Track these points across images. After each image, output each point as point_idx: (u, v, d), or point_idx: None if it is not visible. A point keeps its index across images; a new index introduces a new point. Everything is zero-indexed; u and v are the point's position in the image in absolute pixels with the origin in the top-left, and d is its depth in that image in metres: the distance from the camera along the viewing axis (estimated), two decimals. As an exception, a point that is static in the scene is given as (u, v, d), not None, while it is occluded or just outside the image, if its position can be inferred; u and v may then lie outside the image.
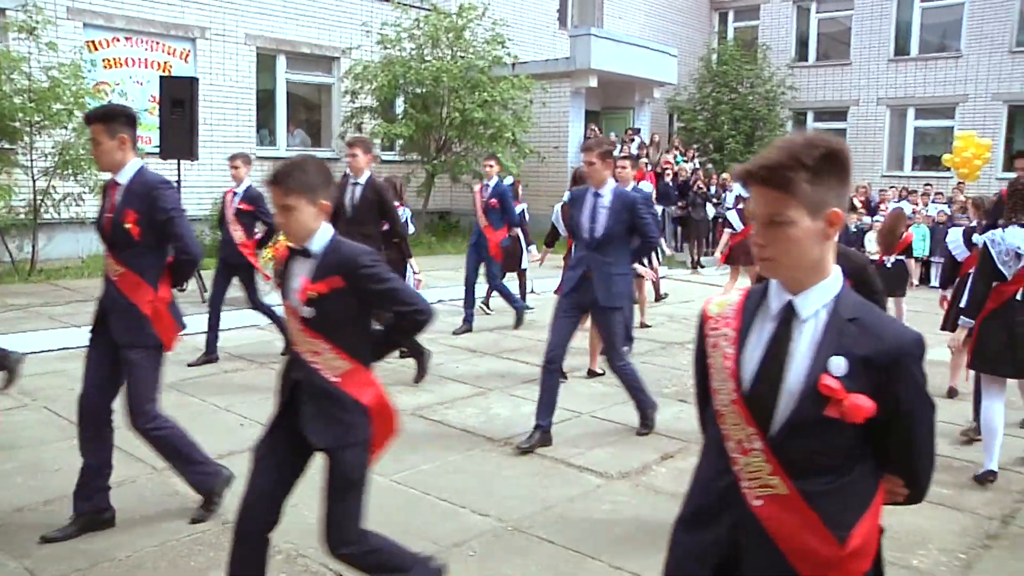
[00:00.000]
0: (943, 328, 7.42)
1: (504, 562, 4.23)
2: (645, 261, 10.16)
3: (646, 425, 6.34)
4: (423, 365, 7.58)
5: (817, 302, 2.00)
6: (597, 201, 6.05)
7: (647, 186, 13.26)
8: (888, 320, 2.06)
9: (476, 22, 17.11)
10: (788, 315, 2.02)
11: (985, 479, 5.49)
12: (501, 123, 16.70)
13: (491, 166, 10.23)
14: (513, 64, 17.65)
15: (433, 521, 4.67)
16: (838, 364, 1.93)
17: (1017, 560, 4.51)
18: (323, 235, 3.14)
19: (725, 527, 2.08)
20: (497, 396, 7.30)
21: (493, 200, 10.03)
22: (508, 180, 10.49)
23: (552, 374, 6.03)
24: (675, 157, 19.50)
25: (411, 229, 9.04)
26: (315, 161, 3.19)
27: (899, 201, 18.22)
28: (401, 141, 17.33)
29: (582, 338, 7.84)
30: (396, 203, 8.73)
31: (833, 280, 2.02)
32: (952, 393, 7.57)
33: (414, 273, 8.65)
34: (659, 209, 11.03)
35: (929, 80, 23.36)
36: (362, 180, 7.40)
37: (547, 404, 6.00)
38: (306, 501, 4.86)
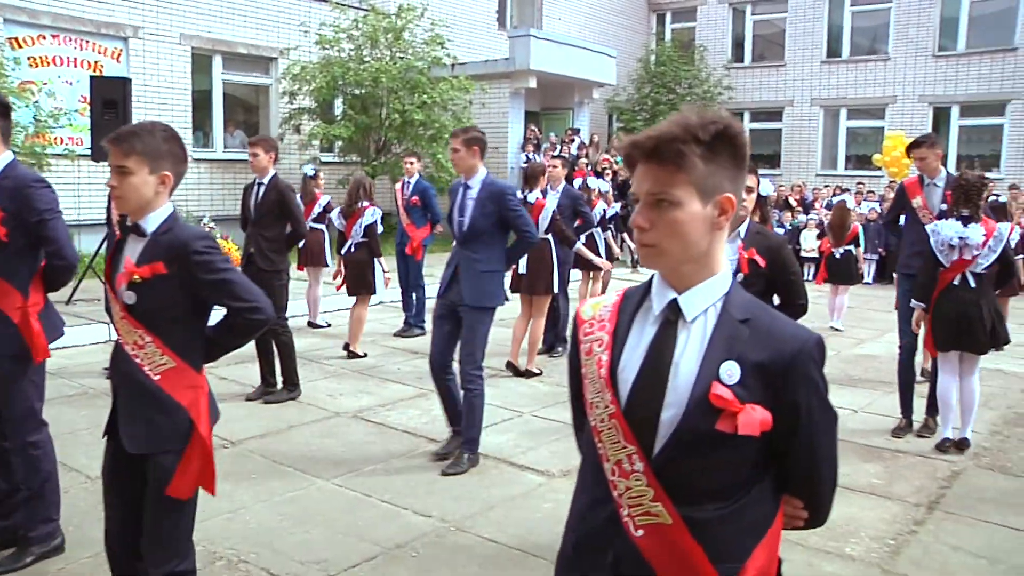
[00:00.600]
0: None
1: (446, 563, 4.29)
2: (602, 253, 10.39)
3: (461, 462, 5.57)
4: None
5: (705, 301, 1.76)
6: (466, 193, 5.73)
7: (603, 184, 13.32)
8: (783, 321, 1.80)
9: (415, 23, 17.05)
10: (672, 316, 1.78)
11: (943, 446, 6.23)
12: (441, 124, 16.68)
13: (411, 163, 10.07)
14: (452, 65, 17.65)
15: (375, 523, 4.70)
16: (730, 371, 1.70)
17: (941, 543, 4.71)
18: (160, 214, 2.90)
19: (607, 564, 1.81)
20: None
21: (414, 198, 9.87)
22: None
23: (442, 382, 5.78)
24: (614, 157, 19.69)
25: (380, 229, 8.97)
26: (168, 130, 2.96)
27: (839, 195, 18.66)
28: (340, 142, 17.18)
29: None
30: (366, 203, 8.81)
31: (723, 277, 1.79)
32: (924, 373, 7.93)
33: (383, 272, 8.80)
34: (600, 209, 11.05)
35: (860, 82, 23.95)
36: (266, 180, 7.09)
37: (453, 411, 5.81)
38: (249, 505, 4.90)
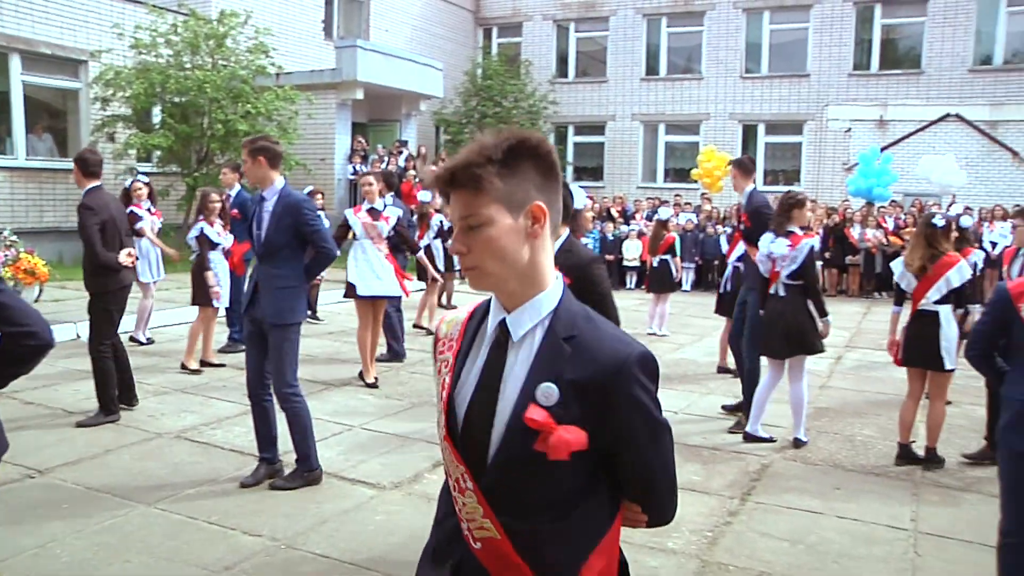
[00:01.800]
0: None
1: (277, 580, 4.25)
2: (441, 264, 10.53)
3: (295, 477, 5.52)
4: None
5: (531, 320, 1.78)
6: (262, 206, 5.49)
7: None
8: (608, 336, 1.78)
9: (238, 30, 16.61)
10: (502, 336, 1.80)
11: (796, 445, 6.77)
12: (266, 135, 16.29)
13: (226, 174, 9.88)
14: (278, 74, 17.37)
15: (201, 547, 4.57)
16: (547, 392, 1.71)
17: (752, 531, 5.07)
18: None
19: (452, 569, 1.89)
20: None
21: (234, 211, 9.52)
22: (307, 189, 10.08)
23: (258, 402, 5.56)
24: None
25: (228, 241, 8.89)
26: None
27: (658, 208, 19.51)
28: (159, 152, 16.48)
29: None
30: (200, 216, 8.71)
31: (550, 293, 1.80)
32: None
33: (211, 285, 8.64)
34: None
35: (677, 99, 25.14)
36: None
37: (264, 437, 5.60)
38: (59, 538, 4.70)
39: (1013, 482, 3.69)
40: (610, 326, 1.83)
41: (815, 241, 6.85)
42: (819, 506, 5.55)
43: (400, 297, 8.97)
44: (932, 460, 6.33)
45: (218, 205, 8.93)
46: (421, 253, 9.03)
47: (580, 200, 4.80)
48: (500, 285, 1.79)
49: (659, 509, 1.92)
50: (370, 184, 8.50)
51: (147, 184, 10.05)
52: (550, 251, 1.81)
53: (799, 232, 6.59)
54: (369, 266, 8.29)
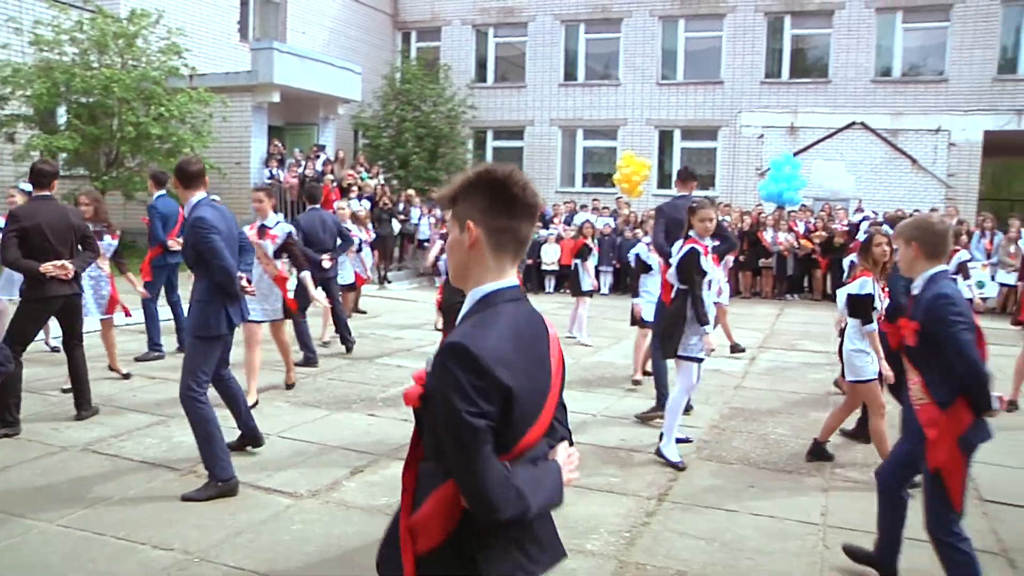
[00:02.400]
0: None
1: (189, 593, 4.14)
2: (370, 272, 10.40)
3: (208, 488, 5.41)
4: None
5: (463, 310, 2.18)
6: (185, 221, 5.84)
7: (358, 206, 13.23)
8: (459, 329, 2.07)
9: (149, 29, 16.18)
10: None
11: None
12: (179, 137, 15.94)
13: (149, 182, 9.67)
14: (191, 76, 16.97)
15: (108, 563, 4.42)
16: (429, 360, 2.07)
17: (669, 531, 5.12)
18: None
19: None
20: (179, 423, 6.89)
21: (144, 217, 9.33)
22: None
23: (221, 385, 6.14)
24: (359, 174, 19.69)
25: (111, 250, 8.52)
26: None
27: (574, 214, 19.69)
28: (65, 155, 15.85)
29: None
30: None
31: (474, 294, 2.17)
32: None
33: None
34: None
35: (595, 104, 25.38)
36: None
37: (234, 413, 6.21)
38: None
39: None
40: (479, 324, 2.08)
41: (698, 245, 6.50)
42: (734, 504, 5.65)
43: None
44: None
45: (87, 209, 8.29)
46: (306, 273, 8.50)
47: None
48: (458, 281, 2.23)
49: (466, 498, 2.03)
50: (259, 201, 7.87)
51: (94, 200, 8.71)
52: (485, 263, 2.16)
53: (692, 236, 6.55)
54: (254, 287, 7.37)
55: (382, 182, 20.27)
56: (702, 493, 5.85)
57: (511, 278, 2.21)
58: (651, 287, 8.42)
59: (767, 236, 18.55)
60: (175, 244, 9.02)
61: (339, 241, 10.01)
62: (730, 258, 10.97)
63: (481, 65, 27.08)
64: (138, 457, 6.17)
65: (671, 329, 6.48)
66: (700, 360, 6.53)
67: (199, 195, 5.62)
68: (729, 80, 24.17)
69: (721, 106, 24.19)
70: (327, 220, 9.96)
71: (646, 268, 8.65)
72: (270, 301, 7.91)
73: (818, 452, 6.59)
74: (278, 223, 8.07)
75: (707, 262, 6.47)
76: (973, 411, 3.84)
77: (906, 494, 4.48)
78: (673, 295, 6.62)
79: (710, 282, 6.60)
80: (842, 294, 6.43)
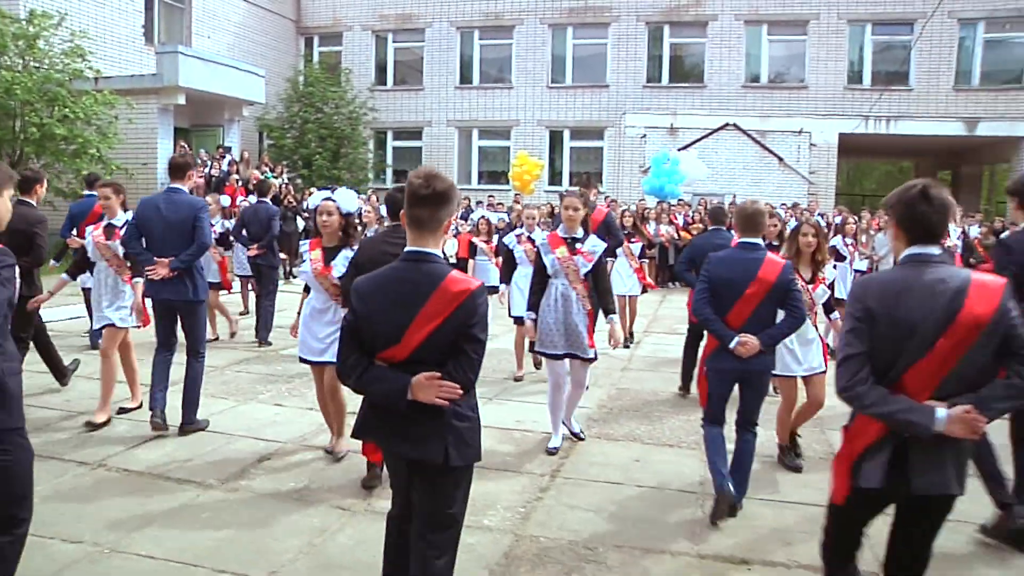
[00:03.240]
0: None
1: (101, 583, 4.02)
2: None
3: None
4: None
5: None
6: None
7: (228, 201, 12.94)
8: None
9: (51, 31, 15.51)
10: None
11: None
12: (84, 139, 15.34)
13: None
14: (96, 79, 16.35)
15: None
16: None
17: (561, 505, 5.20)
18: None
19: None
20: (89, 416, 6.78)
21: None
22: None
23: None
24: (264, 173, 19.29)
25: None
26: None
27: (470, 211, 19.62)
28: (-37, 156, 15.03)
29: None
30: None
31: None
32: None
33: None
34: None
35: (489, 106, 25.44)
36: None
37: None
38: None
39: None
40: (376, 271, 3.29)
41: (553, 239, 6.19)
42: (621, 477, 5.78)
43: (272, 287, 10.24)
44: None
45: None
46: (139, 280, 7.39)
47: (349, 204, 5.68)
48: None
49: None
50: (107, 198, 6.77)
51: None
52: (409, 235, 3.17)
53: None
54: (104, 290, 6.76)
55: (286, 181, 19.90)
56: (591, 468, 5.96)
57: (421, 245, 3.12)
58: (521, 281, 7.97)
59: (650, 228, 18.91)
60: (75, 242, 8.49)
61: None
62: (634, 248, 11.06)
63: (381, 69, 26.81)
64: (45, 453, 5.86)
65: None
66: (555, 356, 6.12)
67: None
68: (614, 84, 24.55)
69: (607, 108, 24.57)
70: (260, 211, 10.46)
71: (514, 260, 8.12)
72: (114, 306, 6.75)
73: (788, 454, 6.08)
74: (127, 223, 6.71)
75: (552, 254, 6.02)
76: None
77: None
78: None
79: (547, 277, 6.06)
80: None
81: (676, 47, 24.69)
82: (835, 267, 7.02)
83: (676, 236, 18.62)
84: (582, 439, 6.54)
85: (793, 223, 17.94)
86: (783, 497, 5.48)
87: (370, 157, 25.72)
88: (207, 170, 18.03)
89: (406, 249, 3.09)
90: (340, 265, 5.49)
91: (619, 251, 10.33)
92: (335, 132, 24.18)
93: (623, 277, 10.58)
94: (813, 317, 5.94)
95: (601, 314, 6.19)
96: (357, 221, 6.11)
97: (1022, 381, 2.87)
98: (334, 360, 4.55)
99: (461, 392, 3.04)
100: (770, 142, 23.48)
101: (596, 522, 4.99)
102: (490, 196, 21.61)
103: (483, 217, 11.65)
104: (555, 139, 25.30)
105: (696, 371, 5.79)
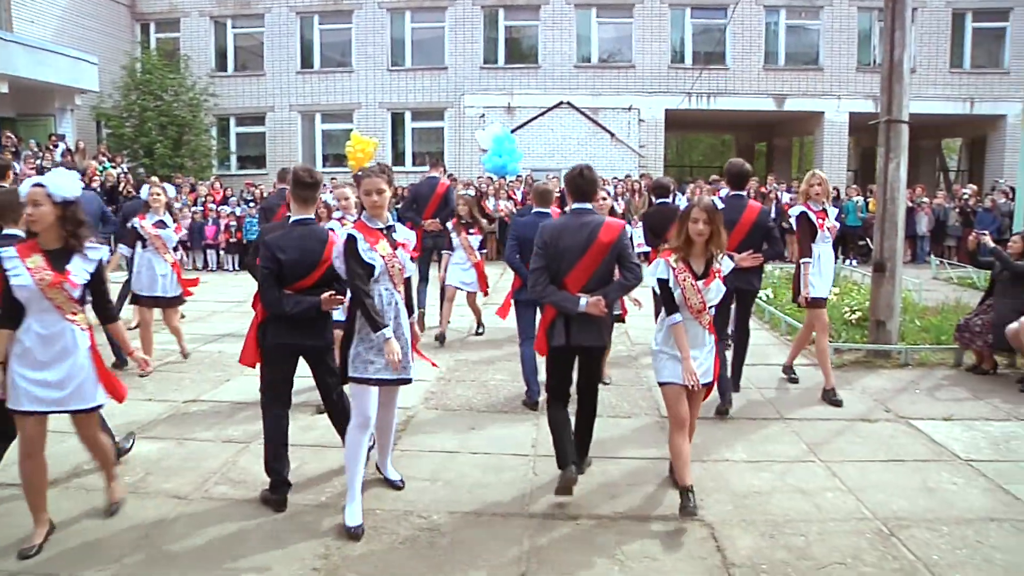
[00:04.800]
0: None
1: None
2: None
3: None
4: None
5: None
6: None
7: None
8: None
9: None
10: None
11: None
12: None
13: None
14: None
15: None
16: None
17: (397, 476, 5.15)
18: None
19: None
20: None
21: None
22: None
23: None
24: (101, 163, 18.23)
25: None
26: None
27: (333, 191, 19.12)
28: None
29: None
30: None
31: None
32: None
33: None
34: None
35: (331, 90, 24.85)
36: None
37: None
38: None
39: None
40: (283, 232, 4.81)
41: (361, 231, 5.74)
42: (456, 446, 5.85)
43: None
44: None
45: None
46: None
47: (67, 190, 4.30)
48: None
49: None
50: None
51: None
52: (295, 209, 4.81)
53: (363, 219, 6.15)
54: None
55: (125, 171, 18.86)
56: (427, 439, 6.00)
57: (307, 214, 4.81)
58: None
59: (489, 204, 19.08)
60: None
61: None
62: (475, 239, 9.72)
63: (221, 55, 25.67)
64: None
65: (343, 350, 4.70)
66: (386, 382, 4.65)
67: None
68: (452, 66, 24.46)
69: (446, 89, 24.48)
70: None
71: None
72: None
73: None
74: None
75: (374, 252, 4.54)
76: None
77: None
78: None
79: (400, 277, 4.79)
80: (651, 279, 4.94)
81: (511, 29, 24.82)
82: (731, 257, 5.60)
83: (515, 210, 18.81)
84: (400, 487, 5.07)
85: (625, 199, 18.33)
86: (608, 453, 5.67)
87: (213, 144, 24.69)
88: (38, 161, 16.85)
89: (299, 217, 4.81)
90: (81, 272, 4.24)
91: (456, 242, 9.61)
92: (176, 120, 23.04)
93: (459, 270, 9.59)
94: (709, 325, 4.85)
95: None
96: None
97: (627, 280, 4.82)
98: (81, 407, 4.29)
99: (342, 299, 4.74)
100: (602, 118, 24.03)
101: (431, 491, 5.04)
102: (333, 179, 21.14)
103: (325, 201, 11.39)
104: (397, 121, 25.02)
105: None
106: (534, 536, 4.43)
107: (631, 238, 5.03)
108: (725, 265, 4.86)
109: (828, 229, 7.10)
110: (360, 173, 4.90)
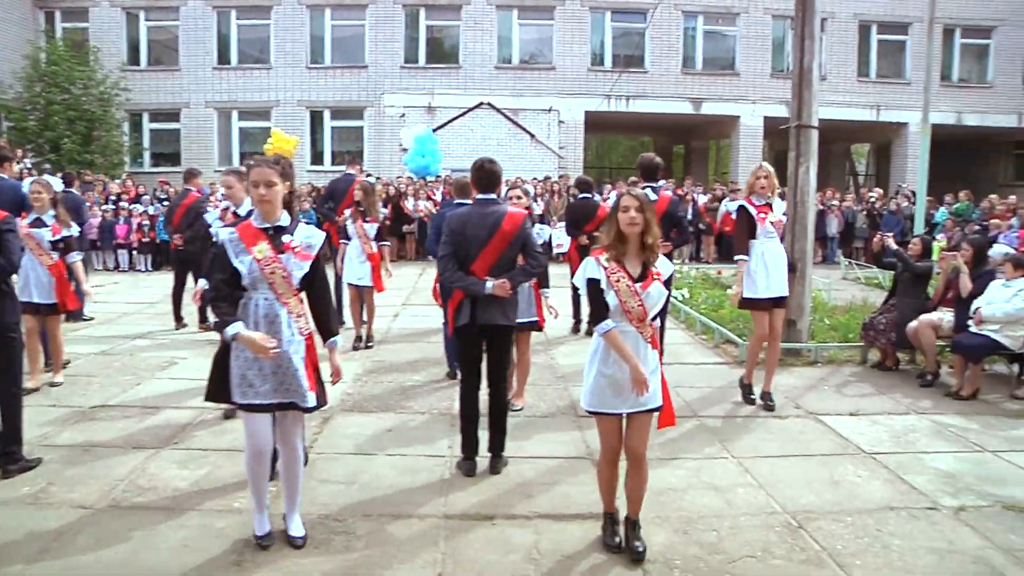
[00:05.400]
0: None
1: None
2: None
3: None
4: None
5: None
6: None
7: None
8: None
9: None
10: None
11: None
12: None
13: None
14: None
15: None
16: None
17: (313, 480, 5.06)
18: None
19: None
20: None
21: None
22: None
23: None
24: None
25: None
26: None
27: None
28: None
29: None
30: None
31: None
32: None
33: None
34: None
35: (248, 87, 24.31)
36: None
37: None
38: None
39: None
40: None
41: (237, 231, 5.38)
42: (372, 448, 5.80)
43: None
44: None
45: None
46: None
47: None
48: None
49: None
50: None
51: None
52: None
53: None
54: None
55: (29, 167, 18.10)
56: (344, 442, 5.93)
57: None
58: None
59: (408, 204, 18.99)
60: None
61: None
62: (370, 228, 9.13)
63: (134, 48, 24.81)
64: None
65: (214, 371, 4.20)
66: (258, 408, 4.10)
67: None
68: (373, 64, 24.22)
69: (366, 88, 24.22)
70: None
71: None
72: None
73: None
74: None
75: (247, 255, 4.04)
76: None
77: None
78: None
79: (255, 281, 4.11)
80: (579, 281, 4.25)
81: (433, 29, 24.70)
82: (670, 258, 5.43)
83: (435, 211, 18.74)
84: (299, 546, 4.28)
85: (545, 199, 18.30)
86: (525, 453, 5.68)
87: (125, 140, 23.87)
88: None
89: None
90: None
91: (351, 230, 9.07)
92: (85, 114, 22.16)
93: (354, 263, 9.04)
94: (652, 338, 4.15)
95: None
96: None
97: (531, 267, 5.27)
98: None
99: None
100: (522, 119, 24.13)
101: (347, 494, 4.98)
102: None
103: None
104: (316, 119, 24.60)
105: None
106: (450, 537, 4.41)
107: (550, 239, 5.19)
108: (664, 267, 4.19)
109: (772, 224, 6.72)
110: (252, 162, 4.24)
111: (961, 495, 5.09)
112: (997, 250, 8.43)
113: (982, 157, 28.34)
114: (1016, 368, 7.74)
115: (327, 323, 4.32)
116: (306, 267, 4.15)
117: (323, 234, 4.33)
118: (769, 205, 6.74)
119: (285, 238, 4.11)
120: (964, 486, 5.24)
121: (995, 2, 25.51)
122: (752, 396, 7.03)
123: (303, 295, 4.23)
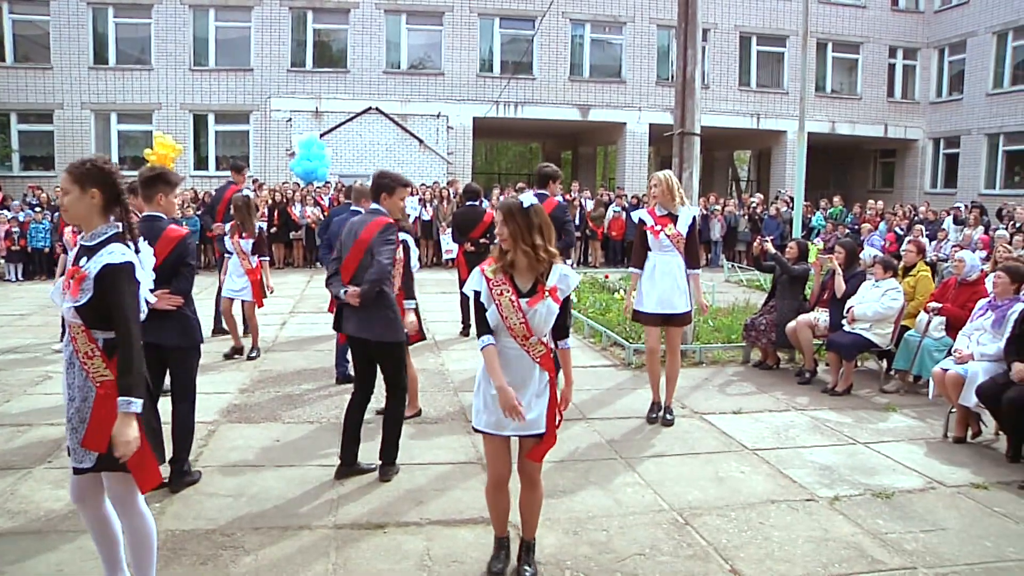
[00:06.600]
0: None
1: None
2: None
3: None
4: None
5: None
6: None
7: None
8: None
9: None
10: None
11: None
12: None
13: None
14: None
15: None
16: None
17: (199, 495, 4.95)
18: None
19: None
20: None
21: None
22: None
23: None
24: None
25: None
26: None
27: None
28: None
29: None
30: None
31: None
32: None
33: None
34: None
35: (128, 89, 23.36)
36: None
37: None
38: None
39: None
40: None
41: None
42: (261, 459, 5.66)
43: None
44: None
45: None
46: None
47: None
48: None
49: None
50: None
51: None
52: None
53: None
54: None
55: None
56: (231, 454, 5.77)
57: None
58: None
59: (296, 210, 18.65)
60: None
61: None
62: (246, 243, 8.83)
63: (-1, 43, 23.53)
64: None
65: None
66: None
67: None
68: (258, 68, 23.67)
69: (252, 92, 23.64)
70: None
71: None
72: None
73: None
74: None
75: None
76: None
77: None
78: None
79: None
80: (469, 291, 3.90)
81: (320, 32, 24.31)
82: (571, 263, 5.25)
83: (322, 217, 18.47)
84: None
85: (433, 205, 18.31)
86: (415, 459, 5.65)
87: (-11, 141, 22.60)
88: None
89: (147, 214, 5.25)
90: None
91: (228, 245, 8.88)
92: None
93: (233, 277, 8.84)
94: (542, 358, 3.80)
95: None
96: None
97: (368, 274, 5.11)
98: None
99: (181, 300, 4.94)
100: (411, 125, 24.05)
101: (235, 507, 4.85)
102: (132, 181, 19.87)
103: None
104: (199, 123, 23.84)
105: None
106: (341, 548, 4.34)
107: (438, 243, 5.23)
108: (563, 281, 3.77)
109: (669, 236, 6.48)
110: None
111: (836, 486, 5.36)
112: (867, 252, 8.90)
113: (854, 164, 29.96)
114: (884, 364, 8.18)
115: (121, 375, 3.13)
116: (81, 300, 3.15)
117: (128, 259, 3.19)
118: (671, 216, 6.53)
119: (82, 260, 3.22)
120: (839, 477, 5.52)
121: (862, 20, 27.00)
122: (654, 416, 6.74)
123: (96, 334, 3.21)
